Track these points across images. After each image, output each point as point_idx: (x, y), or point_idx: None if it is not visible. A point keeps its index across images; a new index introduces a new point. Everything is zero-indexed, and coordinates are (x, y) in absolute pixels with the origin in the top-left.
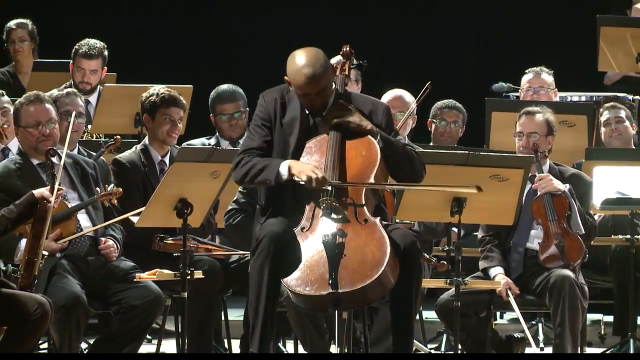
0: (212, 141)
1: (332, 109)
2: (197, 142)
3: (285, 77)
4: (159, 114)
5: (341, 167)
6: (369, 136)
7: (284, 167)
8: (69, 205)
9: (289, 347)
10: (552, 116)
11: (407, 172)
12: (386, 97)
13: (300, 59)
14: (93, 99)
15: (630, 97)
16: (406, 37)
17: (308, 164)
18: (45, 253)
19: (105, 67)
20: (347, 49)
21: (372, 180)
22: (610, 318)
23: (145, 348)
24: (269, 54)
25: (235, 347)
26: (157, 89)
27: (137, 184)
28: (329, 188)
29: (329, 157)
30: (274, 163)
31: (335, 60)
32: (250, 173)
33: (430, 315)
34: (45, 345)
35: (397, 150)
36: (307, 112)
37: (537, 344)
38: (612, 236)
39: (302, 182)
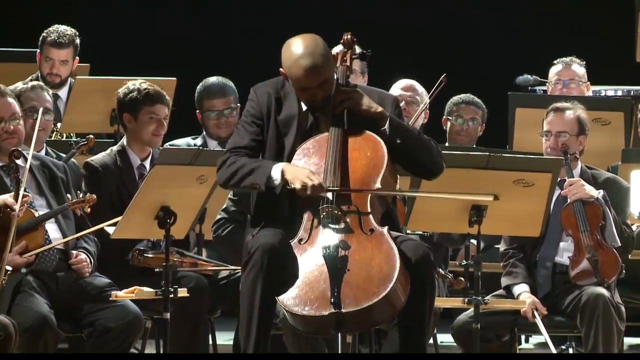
0: (199, 141)
1: (335, 96)
2: (181, 143)
3: (281, 69)
4: (143, 112)
5: (343, 171)
6: (375, 135)
7: (276, 171)
8: (36, 214)
9: None
10: (584, 113)
11: (425, 163)
12: (395, 88)
13: (296, 48)
14: (63, 93)
15: None
16: (418, 23)
17: (304, 169)
18: (9, 268)
19: (77, 58)
20: (349, 36)
21: (378, 184)
22: None
23: None
24: (263, 42)
25: None
26: (138, 83)
27: (111, 191)
28: (329, 196)
29: (329, 159)
30: (266, 165)
31: (335, 49)
32: (237, 175)
33: (445, 338)
34: None
35: (411, 136)
36: (304, 109)
37: None
38: None
39: (296, 189)
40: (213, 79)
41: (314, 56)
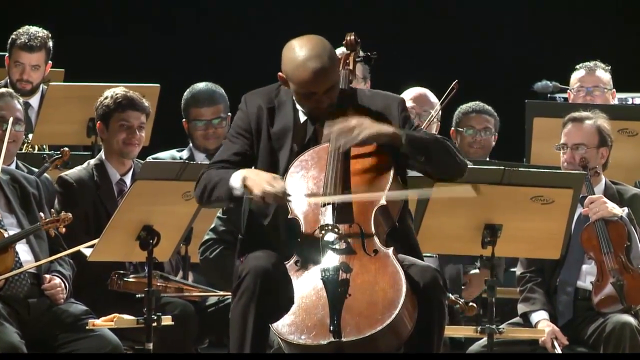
0: (185, 154)
1: (332, 125)
2: (165, 156)
3: (280, 74)
4: (114, 120)
5: (345, 185)
6: (379, 146)
7: (235, 179)
8: (6, 235)
9: None
10: (605, 122)
11: (449, 167)
12: (405, 97)
13: (301, 51)
14: (35, 101)
15: None
16: (426, 25)
17: (266, 174)
18: None
19: (50, 62)
20: (352, 37)
21: (383, 201)
22: None
23: None
24: (257, 45)
25: None
26: (113, 90)
27: (87, 209)
28: (328, 213)
29: (329, 173)
30: (228, 175)
31: (337, 52)
32: (206, 190)
33: None
34: None
35: (428, 144)
36: (302, 120)
37: None
38: None
39: (254, 199)
40: (201, 85)
41: (321, 58)
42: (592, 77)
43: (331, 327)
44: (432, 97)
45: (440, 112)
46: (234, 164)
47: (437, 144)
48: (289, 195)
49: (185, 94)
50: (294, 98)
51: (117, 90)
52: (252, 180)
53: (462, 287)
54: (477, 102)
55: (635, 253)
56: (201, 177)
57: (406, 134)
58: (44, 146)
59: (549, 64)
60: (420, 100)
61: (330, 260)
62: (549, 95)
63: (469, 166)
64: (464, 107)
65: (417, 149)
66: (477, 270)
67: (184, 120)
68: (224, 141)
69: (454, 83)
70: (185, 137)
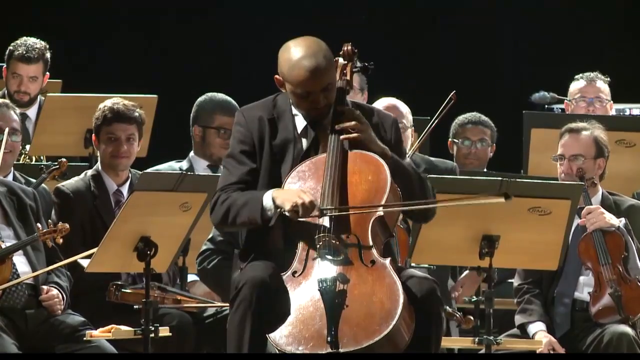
0: (184, 165)
1: (340, 115)
2: (164, 168)
3: (277, 77)
4: (102, 133)
5: (342, 196)
6: (377, 157)
7: (267, 199)
8: (3, 246)
9: None
10: (602, 133)
11: (421, 209)
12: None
13: (297, 50)
14: (32, 112)
15: None
16: (424, 35)
17: (292, 190)
18: None
19: (48, 73)
20: (349, 48)
21: (381, 212)
22: None
23: None
24: (251, 61)
25: None
26: (105, 103)
27: (84, 219)
28: (326, 223)
29: (326, 183)
30: (256, 196)
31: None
32: (230, 213)
33: None
34: None
35: (410, 179)
36: (301, 129)
37: None
38: None
39: (287, 213)
40: (222, 95)
41: (316, 57)
42: (593, 87)
43: (328, 338)
44: (403, 107)
45: (411, 120)
46: (247, 183)
47: (417, 178)
48: (320, 207)
49: (204, 101)
50: (291, 102)
51: (107, 102)
52: (281, 197)
53: (454, 293)
54: (474, 113)
55: (632, 263)
56: (217, 201)
57: (393, 155)
58: (42, 157)
59: (546, 74)
60: (391, 111)
61: (328, 271)
62: (546, 106)
63: (466, 178)
64: (460, 118)
65: (396, 173)
66: (467, 272)
67: (194, 126)
68: (228, 162)
69: (451, 94)
70: (183, 148)
